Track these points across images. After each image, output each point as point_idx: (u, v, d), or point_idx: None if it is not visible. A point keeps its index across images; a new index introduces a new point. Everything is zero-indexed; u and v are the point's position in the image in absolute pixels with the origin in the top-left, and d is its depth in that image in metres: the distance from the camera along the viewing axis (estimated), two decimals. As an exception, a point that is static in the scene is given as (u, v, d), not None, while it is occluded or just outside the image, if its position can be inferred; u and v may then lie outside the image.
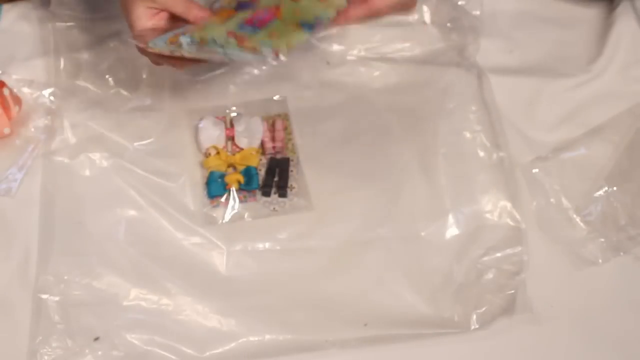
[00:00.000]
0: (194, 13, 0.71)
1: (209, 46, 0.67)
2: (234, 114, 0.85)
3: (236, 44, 0.67)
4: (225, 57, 0.68)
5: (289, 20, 0.70)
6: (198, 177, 0.81)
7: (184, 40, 0.68)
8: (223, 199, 0.79)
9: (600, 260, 0.78)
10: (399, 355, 0.72)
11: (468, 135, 0.85)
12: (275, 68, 0.89)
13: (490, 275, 0.76)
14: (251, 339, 0.72)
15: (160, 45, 0.69)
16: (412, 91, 0.88)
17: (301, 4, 0.71)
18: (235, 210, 0.79)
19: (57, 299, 0.73)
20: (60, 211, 0.78)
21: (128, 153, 0.82)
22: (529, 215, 0.80)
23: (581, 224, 0.79)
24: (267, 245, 0.77)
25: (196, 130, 0.83)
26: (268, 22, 0.69)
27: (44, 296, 0.73)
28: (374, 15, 0.71)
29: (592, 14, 0.96)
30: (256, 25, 0.69)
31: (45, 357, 0.70)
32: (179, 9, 0.71)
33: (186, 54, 0.69)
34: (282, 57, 0.65)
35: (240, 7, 0.71)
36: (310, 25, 0.70)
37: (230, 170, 0.81)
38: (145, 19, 0.71)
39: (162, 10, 0.71)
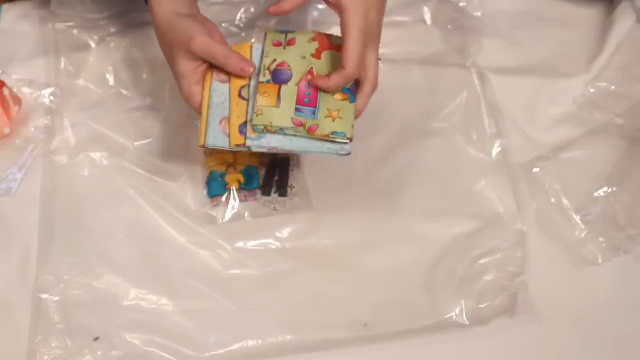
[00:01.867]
0: (234, 63, 0.70)
1: (277, 135, 0.69)
2: (234, 114, 0.85)
3: (306, 132, 0.69)
4: (294, 150, 0.69)
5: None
6: (198, 176, 0.81)
7: (252, 143, 0.69)
8: (223, 199, 0.79)
9: (600, 260, 0.78)
10: (399, 355, 0.72)
11: (469, 135, 0.85)
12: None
13: (491, 276, 0.76)
14: (251, 339, 0.72)
15: (222, 145, 0.69)
16: (413, 92, 0.88)
17: (328, 65, 0.72)
18: (236, 210, 0.79)
19: (57, 299, 0.73)
20: (60, 211, 0.78)
21: (128, 153, 0.82)
22: (529, 215, 0.80)
23: (581, 224, 0.79)
24: (267, 244, 0.77)
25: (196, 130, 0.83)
26: (317, 97, 0.70)
27: (44, 296, 0.73)
28: None
29: (592, 14, 0.96)
30: (308, 103, 0.70)
31: (45, 357, 0.70)
32: (219, 59, 0.69)
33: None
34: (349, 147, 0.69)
35: (277, 77, 0.71)
36: (349, 89, 0.71)
37: (231, 169, 0.81)
38: (190, 75, 0.70)
39: (203, 62, 0.70)
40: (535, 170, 0.83)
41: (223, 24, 0.90)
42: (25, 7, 0.92)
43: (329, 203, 0.80)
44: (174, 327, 0.72)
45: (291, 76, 0.71)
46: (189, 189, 0.80)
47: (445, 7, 0.94)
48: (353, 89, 0.71)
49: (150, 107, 0.85)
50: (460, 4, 0.94)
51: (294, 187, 0.81)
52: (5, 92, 0.81)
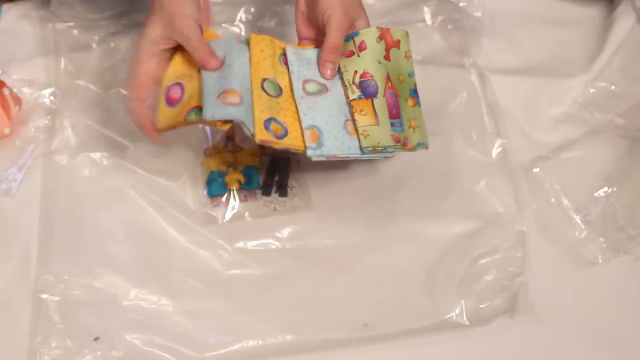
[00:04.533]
0: (200, 55, 0.69)
1: (382, 153, 0.69)
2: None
3: (401, 147, 0.69)
4: (350, 157, 0.69)
5: (404, 94, 0.71)
6: (198, 176, 0.81)
7: (313, 153, 0.67)
8: (223, 199, 0.79)
9: (600, 260, 0.78)
10: (399, 355, 0.72)
11: (469, 135, 0.85)
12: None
13: (491, 276, 0.76)
14: (251, 339, 0.72)
15: (224, 116, 0.66)
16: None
17: (396, 65, 0.72)
18: (236, 210, 0.79)
19: (57, 299, 0.73)
20: (60, 211, 0.78)
21: (128, 153, 0.82)
22: (529, 215, 0.80)
23: (581, 224, 0.79)
24: (267, 244, 0.77)
25: (197, 130, 0.83)
26: (399, 104, 0.70)
27: (44, 296, 0.73)
28: None
29: (592, 14, 0.96)
30: (395, 115, 0.69)
31: (45, 357, 0.70)
32: (193, 44, 0.69)
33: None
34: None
35: (365, 91, 0.70)
36: (414, 90, 0.72)
37: (231, 169, 0.81)
38: (152, 41, 0.70)
39: (171, 40, 0.70)
40: (535, 170, 0.83)
41: (223, 24, 0.90)
42: (25, 7, 0.92)
43: (329, 203, 0.80)
44: (174, 327, 0.72)
45: (377, 87, 0.69)
46: (189, 189, 0.80)
47: (445, 7, 0.94)
48: (415, 89, 0.71)
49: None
50: (460, 4, 0.94)
51: (294, 187, 0.81)
52: (5, 92, 0.81)
